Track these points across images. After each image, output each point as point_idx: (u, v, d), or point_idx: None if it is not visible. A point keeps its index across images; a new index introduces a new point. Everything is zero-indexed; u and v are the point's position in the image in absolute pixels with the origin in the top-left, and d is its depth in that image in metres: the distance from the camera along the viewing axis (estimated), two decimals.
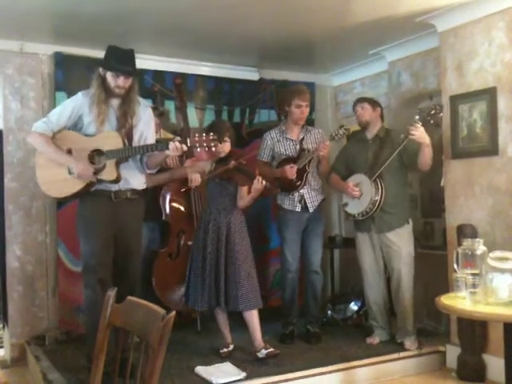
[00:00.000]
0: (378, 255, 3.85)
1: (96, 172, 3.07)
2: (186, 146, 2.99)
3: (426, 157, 3.55)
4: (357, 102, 3.96)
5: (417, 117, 3.49)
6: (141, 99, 3.29)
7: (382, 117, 3.96)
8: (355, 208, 3.78)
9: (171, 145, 2.98)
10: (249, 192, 3.51)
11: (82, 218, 3.20)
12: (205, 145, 2.97)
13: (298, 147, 3.99)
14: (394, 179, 3.73)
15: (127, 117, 3.15)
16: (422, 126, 3.43)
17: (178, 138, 3.04)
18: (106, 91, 3.13)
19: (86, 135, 3.14)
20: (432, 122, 3.51)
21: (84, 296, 3.20)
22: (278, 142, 4.02)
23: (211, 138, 2.98)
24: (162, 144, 3.09)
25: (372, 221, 3.77)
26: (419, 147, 3.52)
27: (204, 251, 3.50)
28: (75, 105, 3.16)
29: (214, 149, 3.00)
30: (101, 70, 3.13)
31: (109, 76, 3.11)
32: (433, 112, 3.48)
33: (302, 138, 4.02)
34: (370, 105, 3.87)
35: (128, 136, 3.16)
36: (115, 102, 3.17)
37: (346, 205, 3.86)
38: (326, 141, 3.83)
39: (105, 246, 3.14)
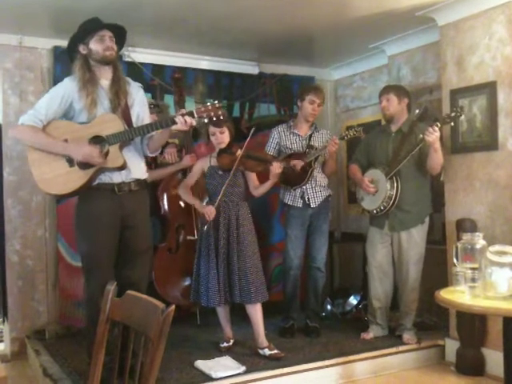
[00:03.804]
0: (388, 252, 3.80)
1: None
2: (193, 117, 2.82)
3: (433, 161, 3.49)
4: (382, 91, 3.77)
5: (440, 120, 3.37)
6: (129, 79, 3.10)
7: (409, 108, 3.79)
8: (370, 204, 3.75)
9: (179, 118, 2.79)
10: (258, 178, 3.46)
11: (85, 216, 2.95)
12: (212, 114, 2.83)
13: (304, 143, 3.97)
14: (412, 176, 3.64)
15: (120, 96, 2.93)
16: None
17: (184, 111, 2.86)
18: (91, 70, 2.92)
19: (81, 123, 2.90)
20: (452, 124, 3.43)
21: (85, 295, 3.05)
22: (284, 136, 4.01)
23: (217, 105, 2.84)
24: (168, 120, 2.87)
25: (386, 218, 3.73)
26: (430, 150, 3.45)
27: (216, 245, 3.42)
28: (64, 91, 2.91)
29: (221, 117, 2.86)
30: (81, 47, 2.93)
31: (93, 44, 2.89)
32: (453, 114, 3.36)
33: (310, 136, 3.99)
34: (396, 96, 3.69)
35: (126, 117, 2.94)
36: (105, 83, 2.95)
37: (362, 199, 3.84)
38: (336, 139, 3.74)
39: (110, 245, 2.94)
